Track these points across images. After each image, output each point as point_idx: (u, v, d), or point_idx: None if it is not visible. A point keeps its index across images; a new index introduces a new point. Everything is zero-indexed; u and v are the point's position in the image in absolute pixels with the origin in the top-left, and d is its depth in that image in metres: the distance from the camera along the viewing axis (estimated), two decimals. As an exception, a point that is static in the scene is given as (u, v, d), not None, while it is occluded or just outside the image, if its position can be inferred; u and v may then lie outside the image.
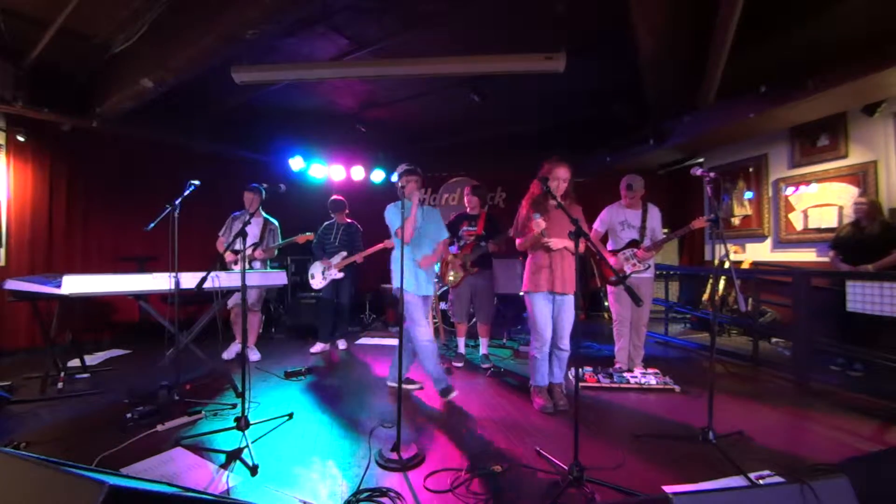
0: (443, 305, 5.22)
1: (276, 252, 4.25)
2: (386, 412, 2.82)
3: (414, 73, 3.96)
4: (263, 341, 4.77)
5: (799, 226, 4.95)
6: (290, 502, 1.83)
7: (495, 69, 3.81)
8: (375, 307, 6.42)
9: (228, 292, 3.31)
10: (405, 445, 2.22)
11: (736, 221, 5.74)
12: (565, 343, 2.89)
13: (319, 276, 4.58)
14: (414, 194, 2.84)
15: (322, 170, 6.42)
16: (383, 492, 1.89)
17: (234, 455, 2.17)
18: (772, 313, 4.96)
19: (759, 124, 4.49)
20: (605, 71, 4.57)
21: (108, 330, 4.98)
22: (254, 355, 4.22)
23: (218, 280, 2.94)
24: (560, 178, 2.73)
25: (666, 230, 3.70)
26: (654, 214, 3.55)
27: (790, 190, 5.04)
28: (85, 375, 3.55)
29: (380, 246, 4.33)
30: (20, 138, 4.34)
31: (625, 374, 3.44)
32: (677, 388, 3.26)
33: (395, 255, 2.99)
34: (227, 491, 1.89)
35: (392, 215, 2.99)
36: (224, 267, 4.12)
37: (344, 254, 4.53)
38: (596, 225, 3.64)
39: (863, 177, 4.30)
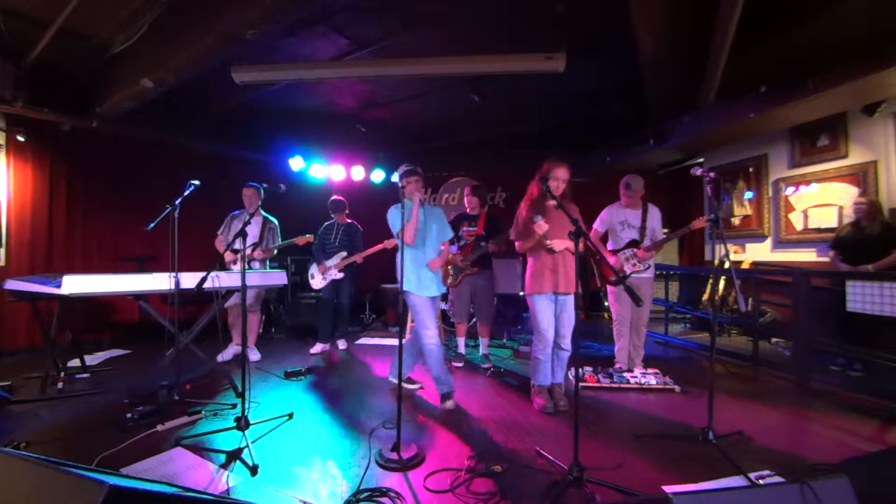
0: (443, 305, 5.21)
1: (275, 252, 4.26)
2: (386, 412, 2.82)
3: (414, 73, 3.96)
4: (263, 341, 4.77)
5: (799, 226, 4.95)
6: (290, 502, 1.83)
7: (495, 69, 3.81)
8: (375, 307, 6.42)
9: (228, 293, 3.32)
10: (405, 445, 2.22)
11: (736, 221, 5.74)
12: (567, 343, 2.90)
13: (319, 276, 4.58)
14: (415, 195, 2.83)
15: (322, 170, 6.42)
16: (383, 492, 1.89)
17: (234, 455, 2.17)
18: (772, 313, 4.95)
19: (759, 124, 4.49)
20: (605, 71, 4.57)
21: (108, 330, 4.98)
22: (254, 355, 4.22)
23: (218, 280, 2.94)
24: (559, 178, 2.73)
25: (666, 230, 3.70)
26: (654, 214, 3.55)
27: (790, 190, 5.04)
28: (85, 375, 3.55)
29: (379, 246, 4.33)
30: (20, 138, 4.34)
31: (625, 374, 3.44)
32: (677, 388, 3.26)
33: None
34: (227, 491, 1.90)
35: (394, 217, 2.95)
36: (224, 267, 4.12)
37: (343, 254, 4.52)
38: (596, 225, 3.64)
39: (863, 177, 4.30)
